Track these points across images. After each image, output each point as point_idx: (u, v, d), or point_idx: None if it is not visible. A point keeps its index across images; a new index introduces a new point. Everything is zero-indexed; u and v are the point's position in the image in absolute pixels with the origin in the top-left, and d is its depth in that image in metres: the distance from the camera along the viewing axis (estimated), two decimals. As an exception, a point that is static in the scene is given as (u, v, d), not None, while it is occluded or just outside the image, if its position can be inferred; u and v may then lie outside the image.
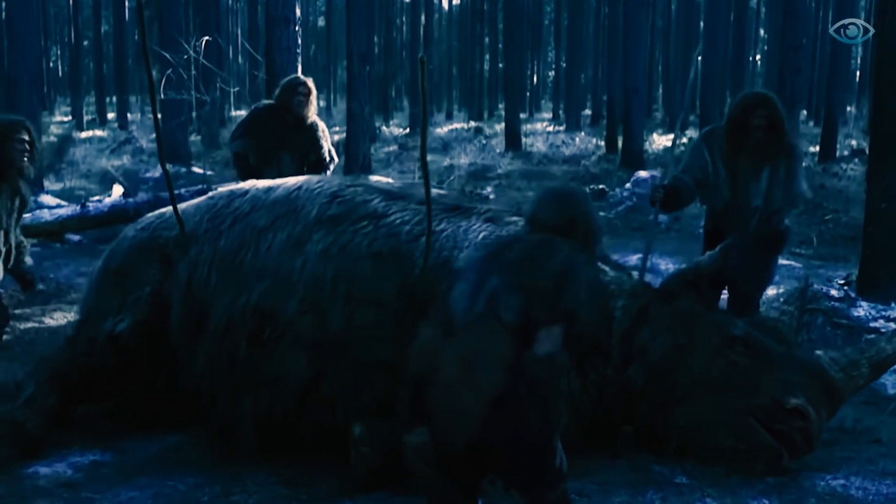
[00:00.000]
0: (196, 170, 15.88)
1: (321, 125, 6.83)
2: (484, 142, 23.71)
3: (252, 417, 4.27)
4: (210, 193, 4.98)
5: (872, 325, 5.71)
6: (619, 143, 19.08)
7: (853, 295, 5.99)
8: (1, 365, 5.83)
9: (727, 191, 5.18)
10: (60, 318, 6.97)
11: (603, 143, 22.47)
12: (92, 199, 10.88)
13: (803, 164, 5.33)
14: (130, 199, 10.36)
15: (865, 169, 6.30)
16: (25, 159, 4.94)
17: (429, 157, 13.18)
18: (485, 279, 2.93)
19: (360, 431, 4.01)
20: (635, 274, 4.90)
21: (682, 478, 4.13)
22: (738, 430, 4.16)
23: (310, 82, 6.69)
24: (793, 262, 8.78)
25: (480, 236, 4.40)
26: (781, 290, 6.56)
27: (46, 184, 14.56)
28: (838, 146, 18.69)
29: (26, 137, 4.92)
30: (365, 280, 4.24)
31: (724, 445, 4.18)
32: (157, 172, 16.87)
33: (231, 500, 4.01)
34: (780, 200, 5.12)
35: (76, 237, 10.49)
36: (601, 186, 12.20)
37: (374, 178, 5.05)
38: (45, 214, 10.42)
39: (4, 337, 6.49)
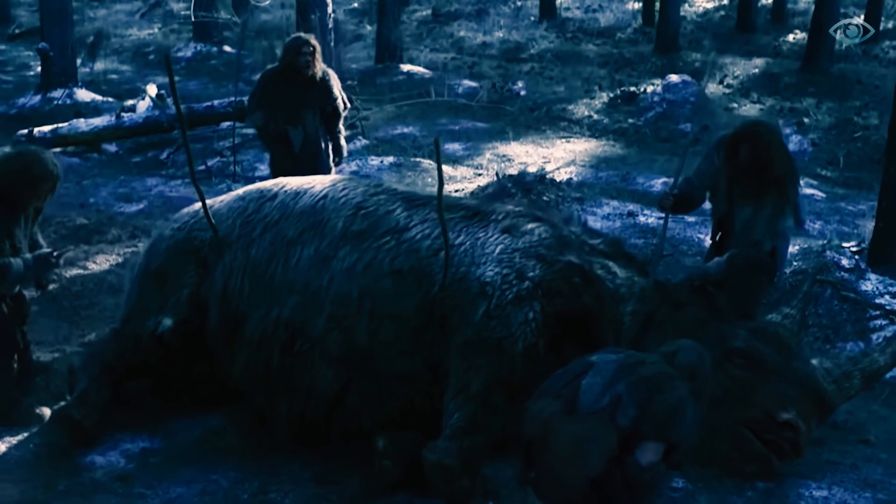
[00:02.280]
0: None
1: (331, 74, 6.96)
2: (519, 4, 23.15)
3: (286, 418, 4.68)
4: (240, 192, 5.20)
5: (878, 300, 5.92)
6: (656, 16, 18.58)
7: (863, 266, 6.17)
8: (49, 323, 6.29)
9: (725, 204, 5.31)
10: (103, 262, 7.34)
11: (640, 5, 21.80)
12: (126, 108, 11.07)
13: (798, 193, 5.37)
14: (163, 112, 10.53)
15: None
16: (46, 199, 5.11)
17: (461, 32, 13.11)
18: (615, 383, 3.43)
19: (382, 445, 4.41)
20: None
21: (679, 481, 4.50)
22: (733, 439, 4.50)
23: (312, 39, 6.78)
24: (815, 192, 8.87)
25: (497, 250, 4.64)
26: (796, 250, 6.75)
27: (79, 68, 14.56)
28: (882, 20, 17.94)
29: (51, 184, 5.05)
30: (387, 297, 4.53)
31: (720, 452, 4.53)
32: (188, 52, 16.94)
33: (268, 497, 4.47)
34: (761, 234, 5.23)
35: (112, 148, 10.77)
36: (632, 89, 12.12)
37: (395, 183, 5.24)
38: (82, 125, 10.70)
39: (51, 286, 6.93)
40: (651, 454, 3.35)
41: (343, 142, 7.09)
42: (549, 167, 9.55)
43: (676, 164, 5.44)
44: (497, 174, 8.44)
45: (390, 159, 9.33)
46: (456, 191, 8.55)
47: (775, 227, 5.22)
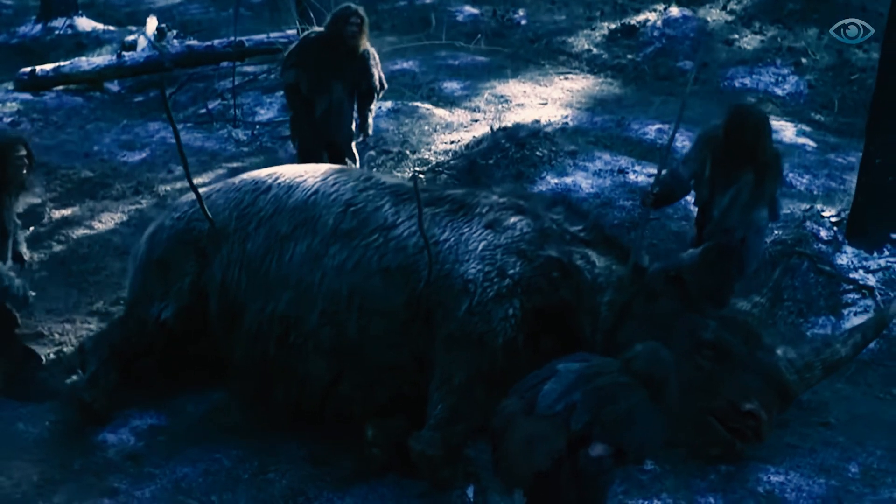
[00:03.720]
0: None
1: (373, 52, 6.91)
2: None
3: (283, 403, 5.02)
4: (237, 181, 5.40)
5: (852, 274, 6.15)
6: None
7: (840, 238, 6.35)
8: (59, 290, 6.59)
9: (706, 191, 5.47)
10: (108, 220, 7.57)
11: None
12: (127, 45, 11.11)
13: (777, 190, 5.51)
14: (164, 52, 10.58)
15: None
16: (24, 172, 5.34)
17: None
18: (573, 391, 3.79)
19: (371, 434, 4.76)
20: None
21: (648, 463, 4.85)
22: (699, 426, 4.83)
23: (361, 11, 6.74)
24: (807, 142, 8.96)
25: (480, 247, 4.88)
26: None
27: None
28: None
29: (24, 153, 5.29)
30: (376, 294, 4.81)
31: (687, 437, 4.87)
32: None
33: (267, 477, 4.85)
34: (735, 221, 5.40)
35: (115, 87, 10.86)
36: (632, 23, 12.02)
37: (384, 175, 5.42)
38: (83, 64, 10.76)
39: (58, 248, 7.22)
40: (600, 449, 3.71)
41: (371, 121, 7.06)
42: (545, 111, 9.64)
43: (661, 153, 5.58)
44: (491, 128, 8.56)
45: (388, 104, 9.39)
46: (452, 142, 8.68)
47: (749, 216, 5.40)
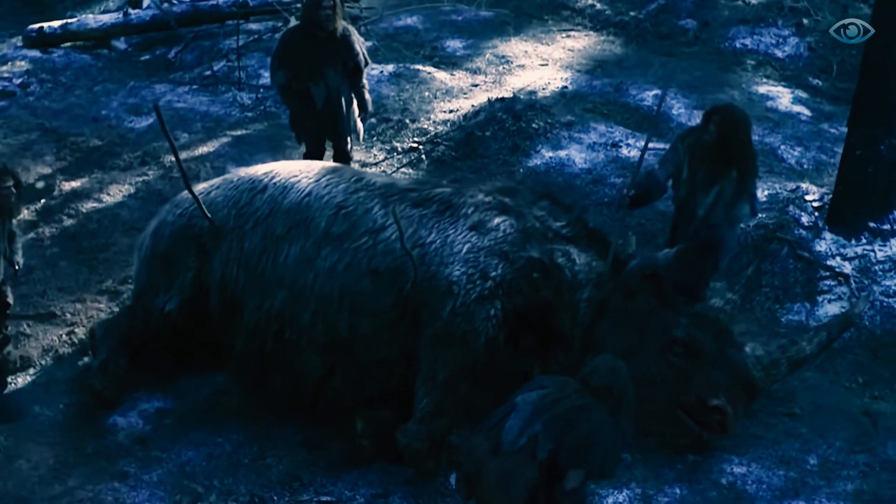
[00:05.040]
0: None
1: (352, 30, 7.00)
2: None
3: (280, 392, 5.37)
4: (234, 179, 5.66)
5: (829, 262, 6.36)
6: None
7: (821, 224, 6.55)
8: (70, 267, 6.90)
9: (684, 191, 5.66)
10: (116, 192, 7.80)
11: None
12: (132, 1, 11.22)
13: (755, 185, 5.70)
14: (168, 11, 10.69)
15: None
16: (13, 200, 5.51)
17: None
18: (532, 422, 4.07)
19: (361, 427, 5.11)
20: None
21: (620, 452, 5.18)
22: (669, 419, 5.16)
23: None
24: (802, 110, 9.07)
25: (465, 249, 5.16)
26: (765, 196, 7.12)
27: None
28: None
29: (11, 182, 5.47)
30: (365, 295, 5.11)
31: (657, 429, 5.20)
32: None
33: (265, 462, 5.23)
34: (720, 218, 5.60)
35: (122, 45, 11.00)
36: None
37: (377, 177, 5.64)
38: (90, 21, 10.92)
39: (68, 222, 7.51)
40: (573, 481, 4.01)
41: (367, 96, 7.15)
42: (545, 73, 9.75)
43: (639, 154, 5.76)
44: (489, 99, 8.71)
45: (390, 68, 9.53)
46: (451, 111, 8.84)
47: (733, 212, 5.61)
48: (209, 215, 5.39)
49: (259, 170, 5.73)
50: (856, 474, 5.03)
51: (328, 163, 6.20)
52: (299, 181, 5.45)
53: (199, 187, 5.80)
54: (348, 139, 7.15)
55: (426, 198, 5.39)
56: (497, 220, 5.29)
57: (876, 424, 5.40)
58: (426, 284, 5.07)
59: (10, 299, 5.65)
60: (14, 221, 5.66)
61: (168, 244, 5.54)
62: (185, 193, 5.76)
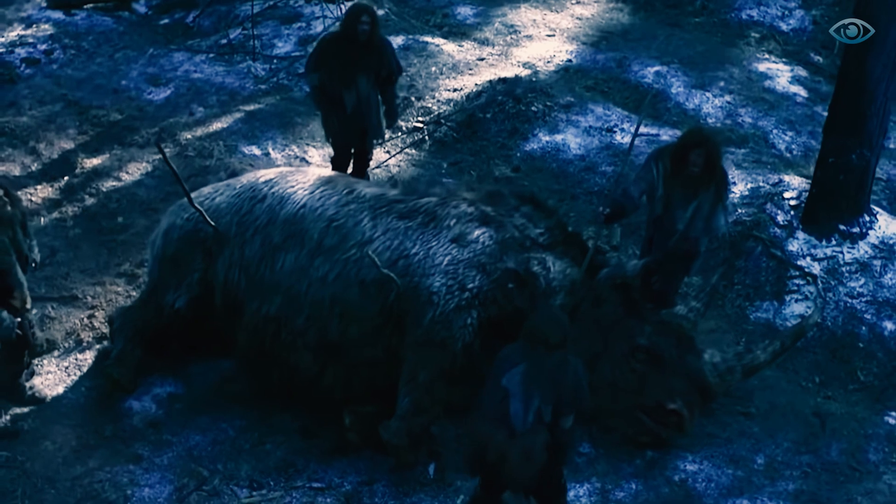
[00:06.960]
0: None
1: (387, 42, 7.40)
2: None
3: (279, 384, 5.90)
4: (237, 187, 6.10)
5: (800, 261, 6.72)
6: None
7: (795, 224, 6.89)
8: (91, 248, 7.42)
9: (661, 207, 5.99)
10: (134, 171, 8.26)
11: None
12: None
13: (728, 198, 6.03)
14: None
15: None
16: (9, 210, 5.71)
17: None
18: (530, 399, 4.64)
19: (349, 421, 5.65)
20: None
21: (585, 446, 5.70)
22: (630, 419, 5.67)
23: (371, 8, 7.12)
24: (799, 91, 9.28)
25: (445, 261, 5.60)
26: (748, 190, 7.45)
27: None
28: None
29: (7, 198, 5.72)
30: (354, 303, 5.59)
31: (619, 428, 5.71)
32: None
33: (265, 448, 5.79)
34: (699, 231, 5.94)
35: (142, 8, 11.34)
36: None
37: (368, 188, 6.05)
38: (112, -16, 11.21)
39: (90, 201, 8.00)
40: (568, 420, 4.69)
41: (396, 105, 7.60)
42: (551, 45, 9.99)
43: (619, 167, 6.10)
44: (491, 81, 9.01)
45: (399, 40, 9.78)
46: (455, 90, 9.15)
47: (710, 224, 5.96)
48: (213, 223, 5.85)
49: (260, 178, 6.16)
50: (798, 475, 5.50)
51: (324, 171, 6.60)
52: (295, 192, 5.89)
53: (205, 191, 6.27)
54: (373, 143, 7.58)
55: (412, 209, 5.81)
56: (477, 233, 5.71)
57: (824, 426, 5.84)
58: (409, 294, 5.54)
59: (36, 339, 6.11)
60: (20, 229, 5.88)
61: (177, 247, 6.03)
62: (193, 195, 6.23)
